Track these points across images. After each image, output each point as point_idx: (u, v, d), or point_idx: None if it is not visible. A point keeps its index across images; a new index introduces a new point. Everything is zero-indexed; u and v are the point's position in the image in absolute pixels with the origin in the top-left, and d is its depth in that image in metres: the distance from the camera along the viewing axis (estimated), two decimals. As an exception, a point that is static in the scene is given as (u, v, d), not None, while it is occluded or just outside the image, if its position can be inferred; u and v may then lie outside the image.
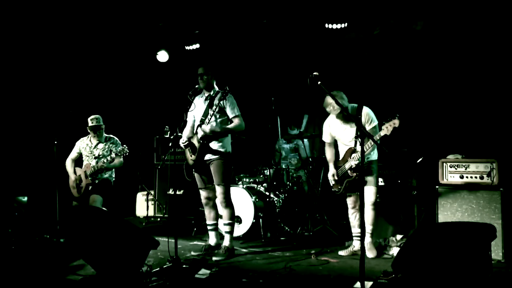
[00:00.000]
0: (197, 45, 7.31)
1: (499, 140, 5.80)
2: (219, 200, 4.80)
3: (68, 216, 3.93)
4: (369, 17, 6.39)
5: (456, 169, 4.61)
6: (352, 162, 4.53)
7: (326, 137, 4.95)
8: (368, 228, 4.63)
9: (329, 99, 4.53)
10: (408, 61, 6.77)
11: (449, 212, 4.55)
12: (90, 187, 5.32)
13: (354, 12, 6.29)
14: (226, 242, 4.78)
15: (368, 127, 4.46)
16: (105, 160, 5.21)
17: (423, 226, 4.77)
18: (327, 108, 4.65)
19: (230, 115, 4.67)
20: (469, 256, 3.03)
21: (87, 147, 5.49)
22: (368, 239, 4.65)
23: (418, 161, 5.09)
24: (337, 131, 4.79)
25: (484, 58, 6.05)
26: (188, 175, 4.91)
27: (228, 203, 4.77)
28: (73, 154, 5.57)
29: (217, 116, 4.66)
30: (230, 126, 4.69)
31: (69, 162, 5.54)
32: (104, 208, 5.23)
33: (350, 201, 4.78)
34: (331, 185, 4.86)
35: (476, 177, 4.51)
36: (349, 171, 4.59)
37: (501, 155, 4.67)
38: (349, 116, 4.56)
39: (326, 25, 6.36)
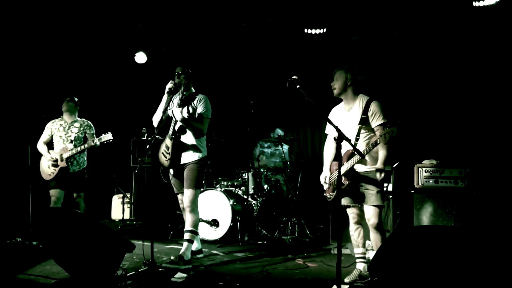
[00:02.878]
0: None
1: (473, 146, 5.93)
2: (185, 205, 4.55)
3: (42, 218, 3.84)
4: (347, 23, 6.47)
5: (431, 174, 4.68)
6: (347, 165, 3.74)
7: (328, 128, 4.07)
8: (369, 252, 4.23)
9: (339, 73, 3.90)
10: (385, 67, 6.87)
11: (424, 216, 4.62)
12: (64, 172, 5.22)
13: (333, 18, 6.37)
14: (183, 250, 4.46)
15: (374, 124, 3.75)
16: (84, 146, 5.19)
17: (398, 230, 4.82)
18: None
19: (200, 112, 4.52)
20: (443, 259, 3.08)
21: (60, 128, 5.40)
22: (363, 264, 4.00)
23: (394, 166, 5.14)
24: (337, 121, 3.78)
25: (464, 67, 6.22)
26: (166, 178, 4.82)
27: (194, 209, 4.54)
28: (45, 137, 5.45)
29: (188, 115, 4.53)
30: (195, 121, 4.52)
31: (41, 145, 5.41)
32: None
33: (352, 214, 3.96)
34: (324, 189, 4.06)
35: (450, 182, 4.59)
36: (343, 177, 3.75)
37: (474, 161, 4.77)
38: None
39: (306, 30, 6.44)
